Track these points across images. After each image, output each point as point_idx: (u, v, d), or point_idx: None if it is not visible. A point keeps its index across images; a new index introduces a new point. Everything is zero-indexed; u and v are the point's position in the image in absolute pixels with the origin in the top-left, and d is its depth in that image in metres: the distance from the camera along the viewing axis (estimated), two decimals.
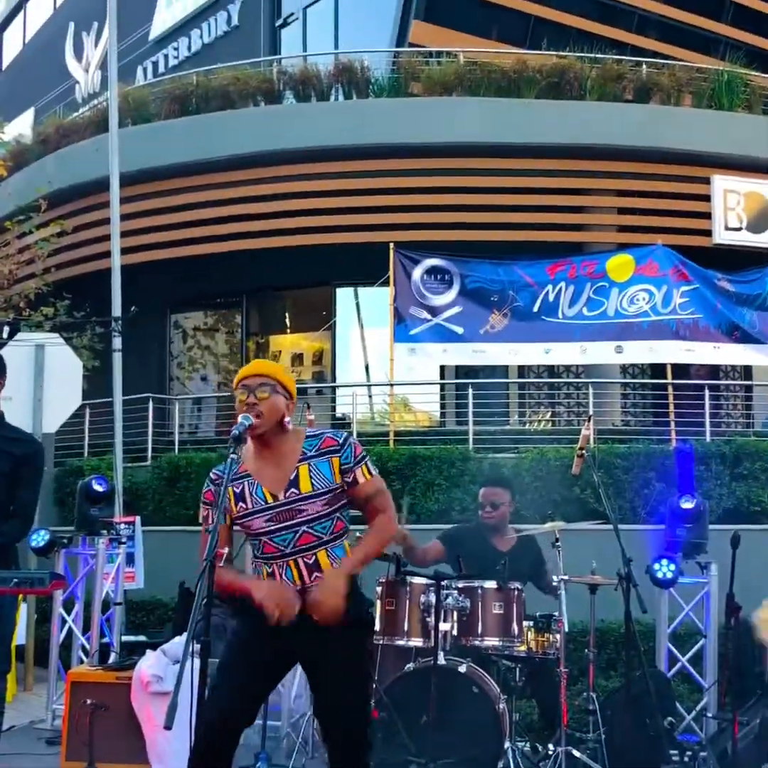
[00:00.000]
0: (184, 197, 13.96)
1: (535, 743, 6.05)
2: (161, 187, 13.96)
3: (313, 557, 3.87)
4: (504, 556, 6.06)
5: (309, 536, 3.85)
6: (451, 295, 11.87)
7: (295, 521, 3.85)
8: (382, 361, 13.39)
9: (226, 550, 3.89)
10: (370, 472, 3.93)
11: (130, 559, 9.07)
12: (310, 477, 3.86)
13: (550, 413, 13.61)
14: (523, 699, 6.34)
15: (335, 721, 3.94)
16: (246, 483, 3.92)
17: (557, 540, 5.97)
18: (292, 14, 17.31)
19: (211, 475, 4.01)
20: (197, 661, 3.95)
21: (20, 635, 8.76)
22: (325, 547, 3.87)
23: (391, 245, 12.00)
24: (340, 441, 3.92)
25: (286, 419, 3.94)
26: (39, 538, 7.01)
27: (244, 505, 3.90)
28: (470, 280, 11.85)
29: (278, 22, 17.34)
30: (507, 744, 5.49)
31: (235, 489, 3.92)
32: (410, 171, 13.22)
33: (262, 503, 3.87)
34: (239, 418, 3.84)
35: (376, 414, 14.15)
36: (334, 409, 14.16)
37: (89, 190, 13.92)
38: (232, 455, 3.78)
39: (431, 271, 11.89)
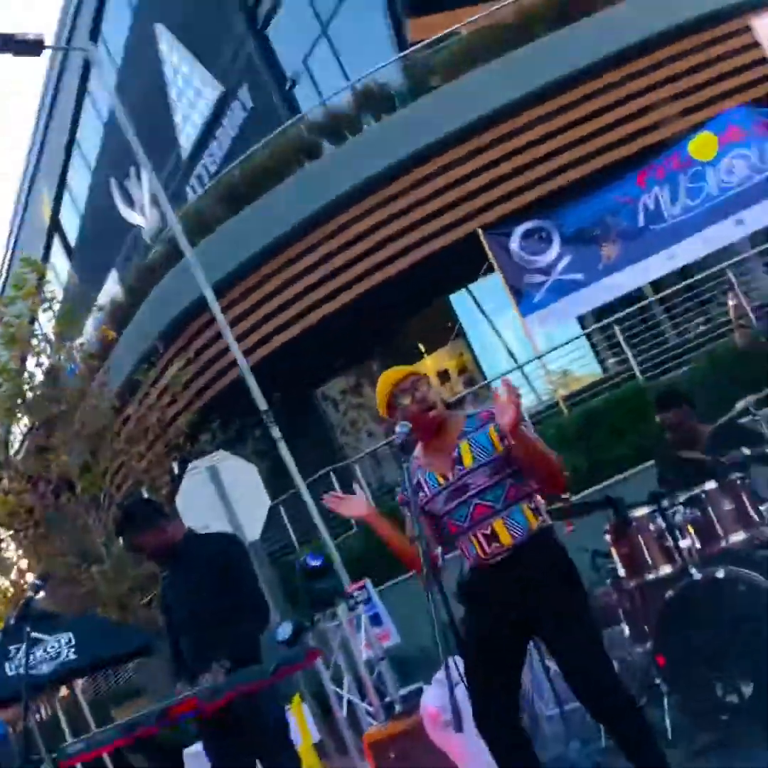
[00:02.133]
0: (276, 280, 14.27)
1: None
2: (249, 284, 14.32)
3: (490, 528, 3.94)
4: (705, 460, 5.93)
5: (482, 507, 3.95)
6: (555, 248, 11.74)
7: (466, 496, 3.96)
8: (524, 343, 13.34)
9: (438, 550, 3.97)
10: (526, 425, 3.94)
11: (376, 621, 9.21)
12: (471, 451, 3.97)
13: (703, 319, 13.21)
14: None
15: (581, 673, 3.90)
16: (419, 474, 4.08)
17: (750, 412, 5.77)
18: (296, 73, 17.62)
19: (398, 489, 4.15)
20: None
21: (314, 732, 8.92)
22: (499, 516, 3.94)
23: (479, 232, 12.01)
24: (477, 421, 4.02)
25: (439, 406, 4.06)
26: (284, 631, 7.13)
27: (423, 494, 4.06)
28: (566, 226, 11.70)
29: (288, 85, 17.65)
30: None
31: (412, 484, 4.01)
32: (469, 155, 13.26)
33: (437, 487, 4.02)
34: (397, 429, 3.93)
35: (539, 394, 14.01)
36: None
37: (191, 316, 14.40)
38: (405, 466, 3.92)
39: (526, 235, 11.78)
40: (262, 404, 9.96)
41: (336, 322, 14.19)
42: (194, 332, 14.92)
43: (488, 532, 3.94)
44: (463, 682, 4.06)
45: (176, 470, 10.67)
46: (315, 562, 7.41)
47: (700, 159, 11.36)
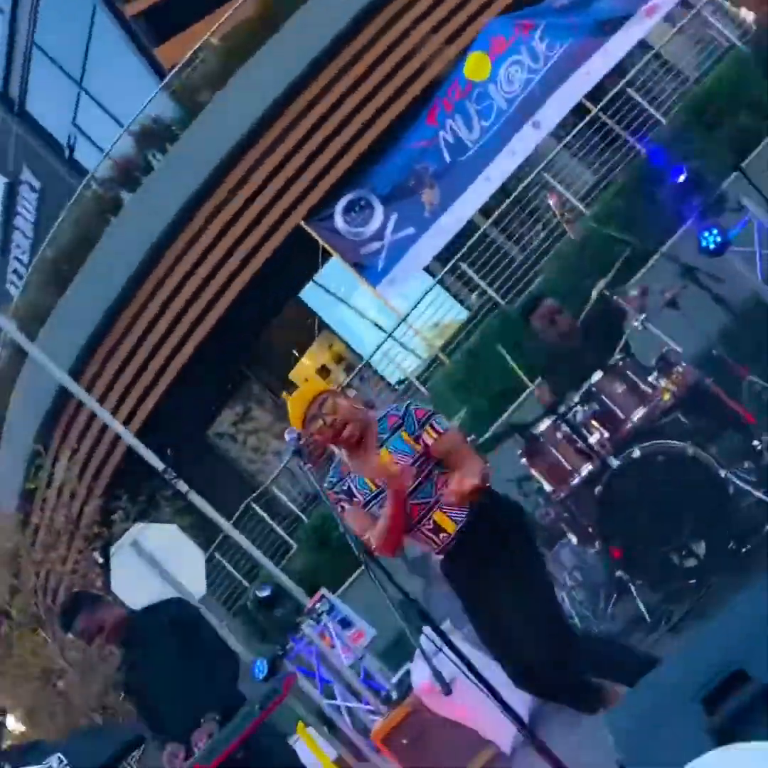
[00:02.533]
0: (128, 341, 14.04)
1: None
2: (104, 352, 14.07)
3: (432, 522, 3.99)
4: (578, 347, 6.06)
5: (417, 507, 3.97)
6: (379, 213, 11.79)
7: None
8: (387, 312, 13.43)
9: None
10: (436, 431, 3.99)
11: (346, 624, 9.16)
12: (394, 457, 3.96)
13: (540, 227, 13.43)
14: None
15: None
16: (350, 480, 4.07)
17: (605, 294, 5.90)
18: (69, 137, 17.32)
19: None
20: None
21: (329, 751, 8.87)
22: (436, 509, 3.99)
23: (303, 224, 12.05)
24: (401, 413, 4.04)
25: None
26: (260, 668, 7.04)
27: (358, 499, 4.04)
28: (380, 188, 11.76)
29: (66, 153, 17.34)
30: (723, 473, 5.45)
31: (343, 489, 4.05)
32: (264, 154, 13.23)
33: (369, 492, 4.03)
34: (286, 437, 3.89)
35: (418, 354, 14.10)
36: (385, 380, 14.20)
37: (59, 406, 14.16)
38: (305, 467, 3.87)
39: (348, 210, 11.80)
40: (159, 465, 9.78)
41: (200, 362, 14.03)
42: (68, 420, 14.58)
43: (431, 526, 4.00)
44: (441, 649, 4.09)
45: (101, 560, 10.49)
46: (264, 593, 7.36)
47: (478, 79, 11.52)
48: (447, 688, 3.44)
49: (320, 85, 13.33)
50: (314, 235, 11.92)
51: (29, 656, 13.46)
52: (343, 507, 4.05)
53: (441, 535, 4.00)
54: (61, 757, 7.52)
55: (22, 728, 15.04)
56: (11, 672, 13.37)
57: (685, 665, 3.39)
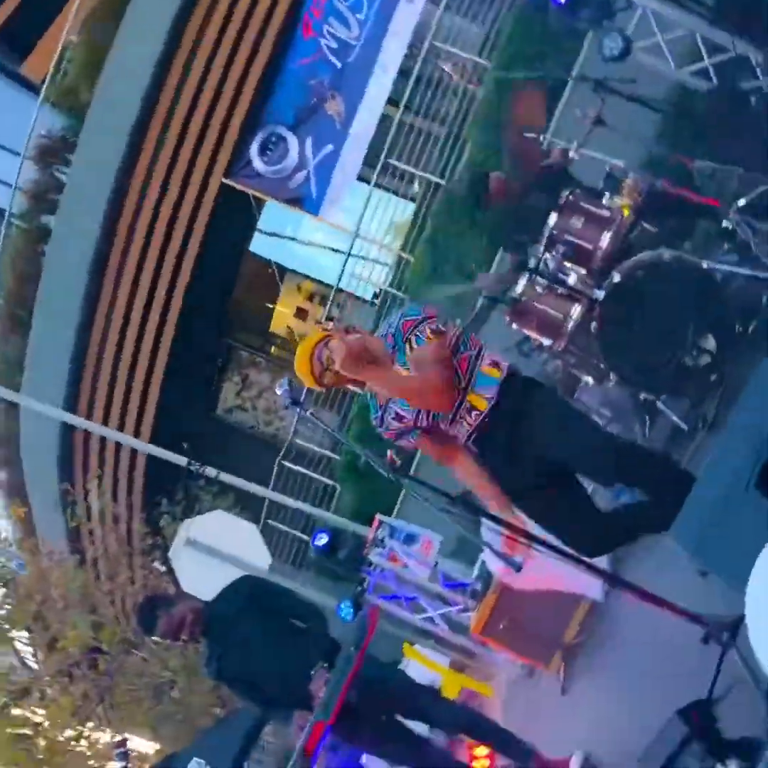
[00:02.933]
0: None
1: None
2: None
3: (469, 404, 4.17)
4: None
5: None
6: (293, 141, 11.60)
7: None
8: (338, 234, 13.32)
9: None
10: (414, 345, 4.08)
11: (411, 540, 9.22)
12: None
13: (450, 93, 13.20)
14: None
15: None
16: (393, 407, 4.23)
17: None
18: None
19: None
20: None
21: (441, 660, 9.04)
22: (467, 392, 4.17)
23: (223, 182, 11.92)
24: (394, 329, 4.12)
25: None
26: (345, 611, 7.03)
27: (407, 420, 4.22)
28: (284, 117, 11.58)
29: None
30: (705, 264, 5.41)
31: (392, 418, 4.26)
32: (163, 128, 12.98)
33: (411, 410, 4.19)
34: (277, 391, 3.89)
35: (383, 262, 14.00)
36: (360, 298, 14.16)
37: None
38: (308, 413, 3.91)
39: (262, 151, 11.62)
40: (181, 460, 9.81)
41: (183, 349, 13.93)
42: (83, 450, 14.55)
43: (469, 407, 4.15)
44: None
45: (164, 568, 10.61)
46: (321, 542, 7.41)
47: None
48: (517, 566, 3.49)
49: (191, 38, 12.96)
50: (240, 187, 11.78)
51: (135, 679, 13.70)
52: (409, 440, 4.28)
53: (473, 414, 4.13)
54: (199, 760, 7.70)
55: (156, 746, 15.37)
56: (123, 701, 13.60)
57: (728, 458, 3.42)
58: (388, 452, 4.16)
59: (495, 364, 4.15)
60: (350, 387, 3.89)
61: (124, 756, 4.89)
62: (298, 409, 3.92)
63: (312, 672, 4.96)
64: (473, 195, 6.77)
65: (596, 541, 4.33)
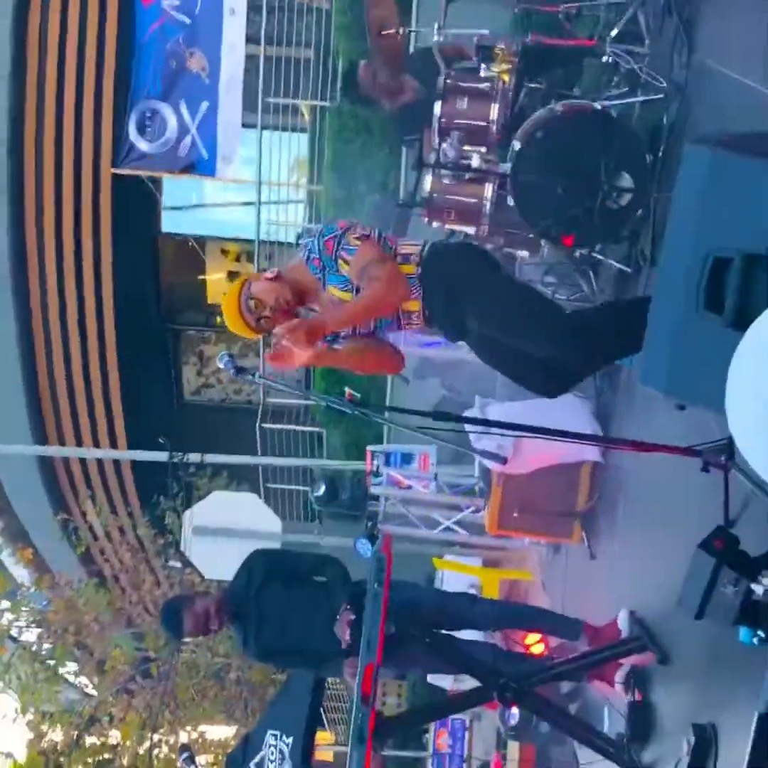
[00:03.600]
0: None
1: None
2: None
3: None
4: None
5: None
6: (167, 110, 11.24)
7: None
8: (244, 188, 13.15)
9: None
10: (346, 260, 3.96)
11: (408, 460, 9.22)
12: (337, 290, 4.03)
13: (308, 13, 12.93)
14: None
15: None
16: None
17: None
18: None
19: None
20: None
21: (472, 561, 9.12)
22: None
23: (115, 171, 11.70)
24: (317, 250, 3.99)
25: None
26: (363, 548, 6.98)
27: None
28: (150, 89, 11.22)
29: None
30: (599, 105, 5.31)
31: None
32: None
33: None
34: (220, 364, 3.83)
35: (296, 201, 13.82)
36: (285, 244, 14.00)
37: None
38: (257, 376, 3.86)
39: (140, 130, 11.31)
40: (161, 456, 9.78)
41: (130, 347, 13.79)
42: (66, 475, 14.45)
43: (408, 312, 4.13)
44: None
45: (179, 564, 10.63)
46: (319, 492, 7.40)
47: None
48: (502, 460, 3.47)
49: (34, 40, 12.58)
50: (131, 173, 11.54)
51: (191, 674, 13.78)
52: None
53: (413, 316, 4.13)
54: (273, 732, 7.77)
55: (231, 731, 15.54)
56: (187, 698, 13.70)
57: (672, 284, 3.37)
58: (346, 390, 4.12)
59: (406, 259, 4.07)
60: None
61: (191, 760, 4.86)
62: (248, 376, 3.86)
63: (337, 616, 4.95)
64: (347, 92, 6.70)
65: (550, 380, 4.26)
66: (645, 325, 3.31)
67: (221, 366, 3.78)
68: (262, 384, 3.84)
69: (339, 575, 5.23)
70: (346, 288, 3.99)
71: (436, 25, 5.46)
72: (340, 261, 3.95)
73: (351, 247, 3.95)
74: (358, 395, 3.82)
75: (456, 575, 8.70)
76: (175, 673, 13.79)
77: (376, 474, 8.20)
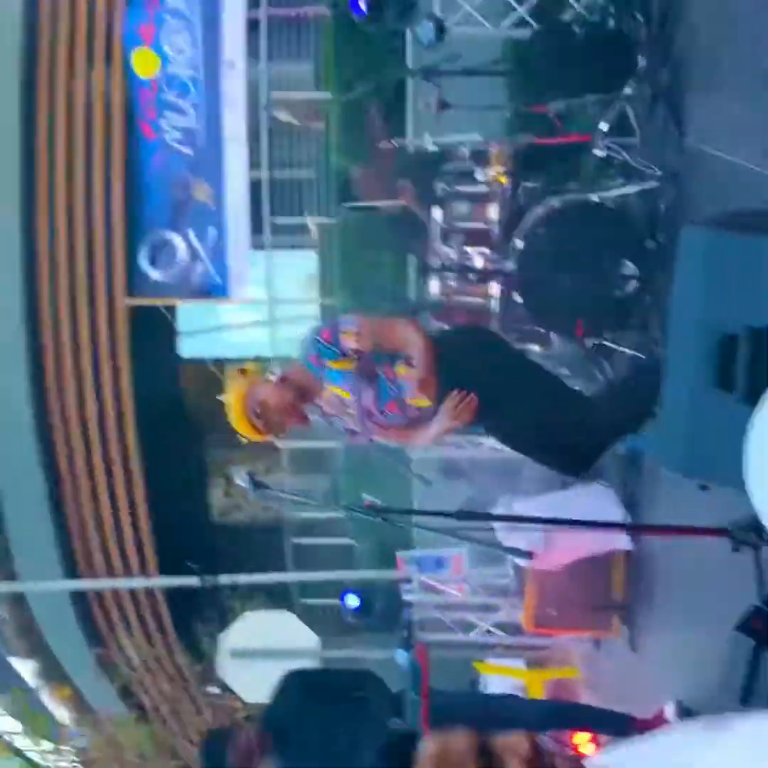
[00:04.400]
0: None
1: None
2: None
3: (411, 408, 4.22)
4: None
5: (393, 403, 4.19)
6: (176, 239, 11.50)
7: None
8: (258, 306, 13.30)
9: None
10: (349, 332, 4.02)
11: (441, 565, 9.09)
12: (341, 388, 4.07)
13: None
14: None
15: None
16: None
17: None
18: None
19: None
20: None
21: (516, 664, 8.92)
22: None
23: (129, 302, 11.87)
24: (314, 348, 4.05)
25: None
26: (402, 659, 6.87)
27: None
28: (158, 221, 11.52)
29: None
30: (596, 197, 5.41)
31: None
32: None
33: None
34: (239, 483, 3.85)
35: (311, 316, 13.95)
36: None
37: None
38: (277, 493, 3.85)
39: (152, 261, 11.54)
40: (193, 582, 9.72)
41: (159, 481, 13.81)
42: (99, 607, 14.35)
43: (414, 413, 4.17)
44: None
45: (218, 690, 10.48)
46: (353, 604, 7.28)
47: (154, 71, 11.24)
48: (529, 555, 3.43)
49: (44, 182, 12.93)
50: (146, 303, 11.73)
51: None
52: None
53: (423, 411, 4.10)
54: None
55: None
56: None
57: (683, 364, 3.36)
58: (365, 499, 4.12)
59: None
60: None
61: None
62: (267, 492, 3.89)
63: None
64: (347, 197, 6.85)
65: (576, 456, 4.20)
66: (651, 393, 3.31)
67: (240, 483, 3.81)
68: (284, 498, 3.85)
69: (378, 689, 5.13)
70: (345, 383, 3.98)
71: (426, 135, 5.61)
72: (336, 347, 3.97)
73: (350, 326, 4.04)
74: (378, 502, 3.81)
75: (500, 678, 8.52)
76: None
77: (409, 581, 8.09)
